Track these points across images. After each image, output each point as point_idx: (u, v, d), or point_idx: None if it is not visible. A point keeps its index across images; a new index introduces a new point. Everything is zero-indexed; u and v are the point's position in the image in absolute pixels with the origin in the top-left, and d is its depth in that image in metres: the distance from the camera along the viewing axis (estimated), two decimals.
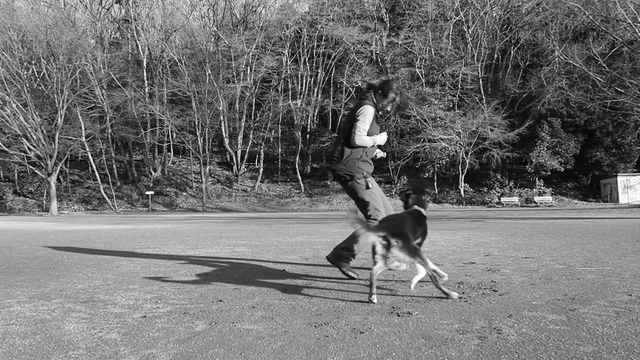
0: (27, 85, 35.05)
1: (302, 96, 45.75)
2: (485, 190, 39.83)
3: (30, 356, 1.75)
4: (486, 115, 37.92)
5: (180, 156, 49.22)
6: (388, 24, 47.02)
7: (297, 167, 44.52)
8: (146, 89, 43.05)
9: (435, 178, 40.87)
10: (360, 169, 3.52)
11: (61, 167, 37.38)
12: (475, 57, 41.91)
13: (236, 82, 43.10)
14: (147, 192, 38.97)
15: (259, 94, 45.01)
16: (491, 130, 38.06)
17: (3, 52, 33.57)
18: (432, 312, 2.30)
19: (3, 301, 2.74)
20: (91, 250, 5.83)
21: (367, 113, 3.46)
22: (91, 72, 38.16)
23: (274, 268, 3.96)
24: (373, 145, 3.56)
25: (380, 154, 3.83)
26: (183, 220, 16.90)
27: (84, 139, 36.49)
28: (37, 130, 34.51)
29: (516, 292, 2.75)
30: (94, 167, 39.01)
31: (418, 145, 38.33)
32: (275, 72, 45.24)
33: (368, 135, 3.50)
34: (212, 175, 45.51)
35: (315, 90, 46.45)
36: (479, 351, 1.70)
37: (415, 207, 3.10)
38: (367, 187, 3.49)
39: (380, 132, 3.67)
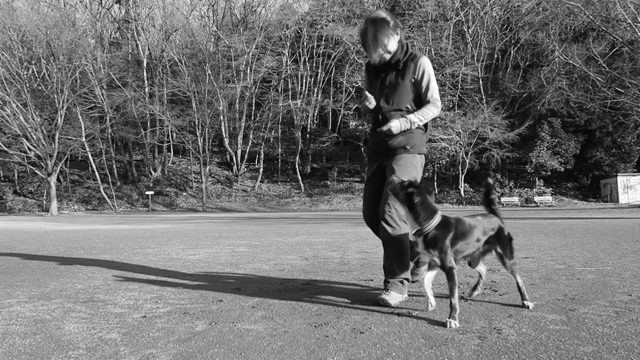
0: (27, 85, 35.05)
1: (302, 96, 45.75)
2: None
3: (30, 356, 1.75)
4: (486, 115, 37.93)
5: (180, 156, 49.21)
6: None
7: (297, 167, 44.52)
8: (146, 89, 43.06)
9: (435, 178, 40.88)
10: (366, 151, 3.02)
11: (61, 167, 37.37)
12: (475, 57, 41.92)
13: (236, 82, 43.09)
14: (147, 192, 38.96)
15: (259, 94, 45.01)
16: (491, 130, 38.08)
17: (3, 52, 33.56)
18: (432, 312, 2.30)
19: (3, 301, 2.74)
20: (91, 250, 5.83)
21: None
22: (91, 72, 38.16)
23: (274, 268, 3.96)
24: (372, 113, 2.72)
25: (390, 125, 2.54)
26: (183, 220, 16.90)
27: (84, 139, 36.48)
28: (37, 130, 34.50)
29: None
30: (94, 167, 39.00)
31: None
32: (275, 72, 45.23)
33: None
34: (212, 175, 45.50)
35: (315, 90, 46.45)
36: (479, 351, 1.70)
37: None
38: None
39: (384, 90, 2.64)
